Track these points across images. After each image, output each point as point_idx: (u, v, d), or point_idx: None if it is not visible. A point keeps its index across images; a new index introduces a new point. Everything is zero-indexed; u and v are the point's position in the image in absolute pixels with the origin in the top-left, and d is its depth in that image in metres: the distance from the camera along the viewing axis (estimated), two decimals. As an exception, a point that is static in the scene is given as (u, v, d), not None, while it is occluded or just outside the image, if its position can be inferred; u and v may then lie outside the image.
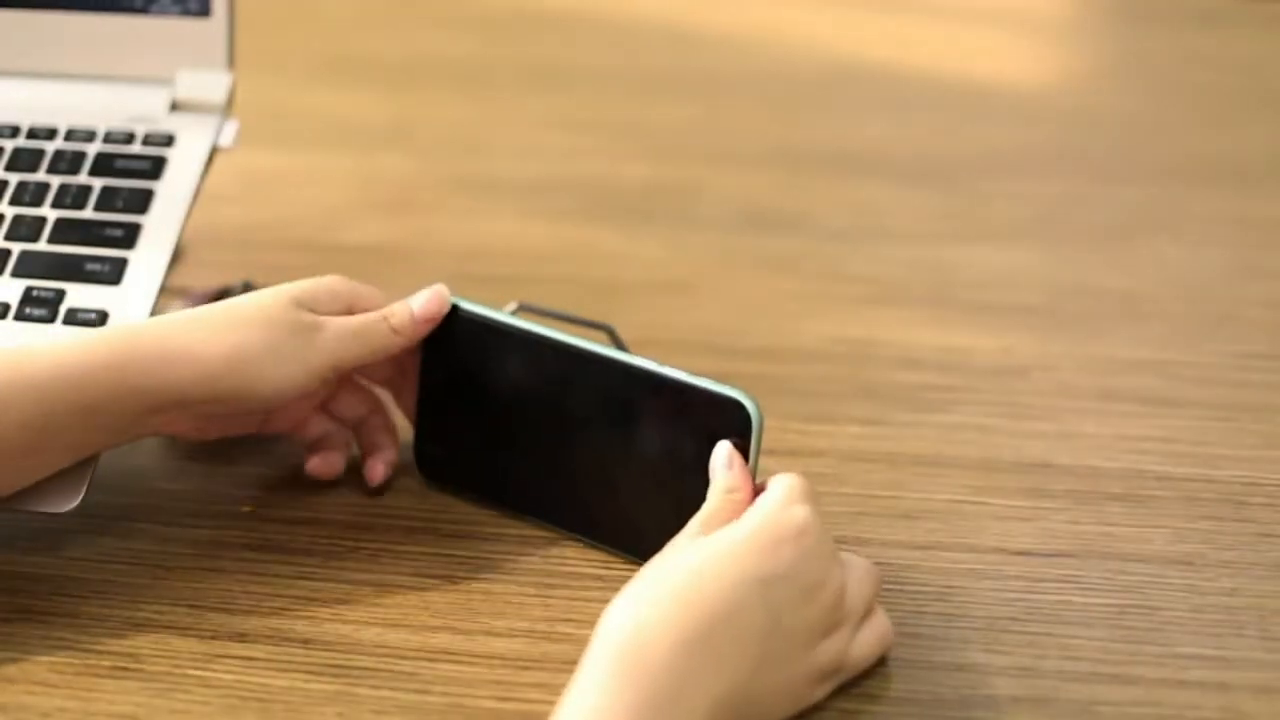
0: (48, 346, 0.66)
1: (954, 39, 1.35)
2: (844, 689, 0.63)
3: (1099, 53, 1.39)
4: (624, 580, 0.69)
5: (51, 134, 0.84)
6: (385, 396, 0.77)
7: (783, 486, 0.62)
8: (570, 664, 0.65)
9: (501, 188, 1.08)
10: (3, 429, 0.64)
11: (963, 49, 1.33)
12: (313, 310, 0.70)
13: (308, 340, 0.69)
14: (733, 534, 0.60)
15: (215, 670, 0.64)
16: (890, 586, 0.69)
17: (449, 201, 1.06)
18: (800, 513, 0.61)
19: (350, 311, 0.71)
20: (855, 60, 1.30)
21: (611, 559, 0.70)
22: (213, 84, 0.85)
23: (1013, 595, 0.69)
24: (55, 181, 0.82)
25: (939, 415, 0.81)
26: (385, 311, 0.72)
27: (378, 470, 0.75)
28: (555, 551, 0.72)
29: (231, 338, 0.67)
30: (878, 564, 0.70)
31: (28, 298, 0.77)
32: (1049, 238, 1.00)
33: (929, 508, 0.74)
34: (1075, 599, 0.68)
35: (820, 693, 0.61)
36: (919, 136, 1.17)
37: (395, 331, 0.71)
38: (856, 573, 0.63)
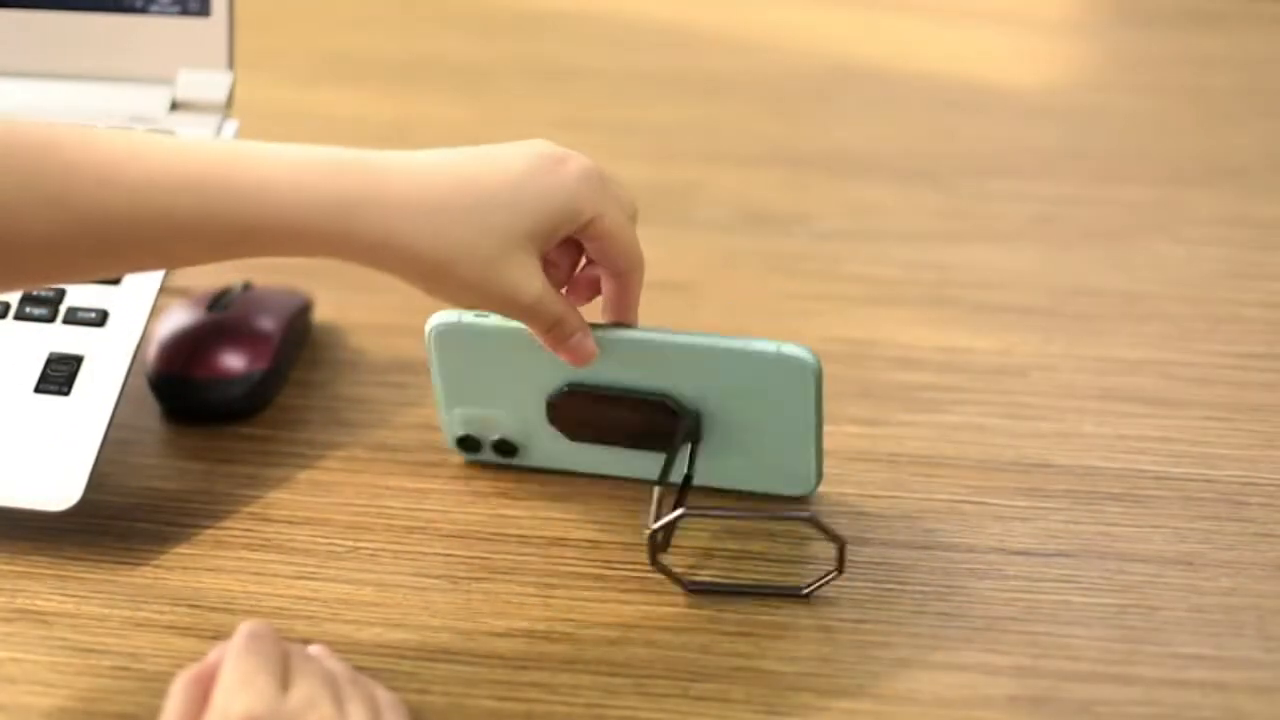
0: (275, 177, 0.62)
1: (954, 39, 1.35)
2: (844, 689, 0.64)
3: (1099, 53, 1.39)
4: (624, 581, 0.70)
5: (52, 134, 0.84)
6: None
7: (220, 685, 0.57)
8: (570, 663, 0.65)
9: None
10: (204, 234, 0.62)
11: (963, 49, 1.33)
12: (546, 247, 0.66)
13: (509, 287, 0.65)
14: None
15: (215, 670, 0.64)
16: (890, 586, 0.69)
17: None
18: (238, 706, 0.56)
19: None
20: (855, 60, 1.30)
21: (613, 560, 0.70)
22: (213, 84, 0.85)
23: (1012, 595, 0.69)
24: (55, 181, 0.82)
25: (938, 415, 0.82)
26: (575, 330, 0.68)
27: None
28: (555, 552, 0.72)
29: (447, 249, 0.64)
30: (879, 564, 0.71)
31: (27, 297, 0.77)
32: (1049, 238, 1.00)
33: (928, 507, 0.74)
34: (1074, 599, 0.69)
35: None
36: (918, 136, 1.17)
37: (560, 344, 0.69)
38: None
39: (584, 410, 0.73)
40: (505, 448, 0.76)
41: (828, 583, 0.68)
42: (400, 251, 0.63)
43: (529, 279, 0.65)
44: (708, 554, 0.71)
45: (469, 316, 0.72)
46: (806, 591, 0.68)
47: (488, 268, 0.64)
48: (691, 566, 0.70)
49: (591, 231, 0.67)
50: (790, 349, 0.70)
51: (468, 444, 0.77)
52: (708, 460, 0.73)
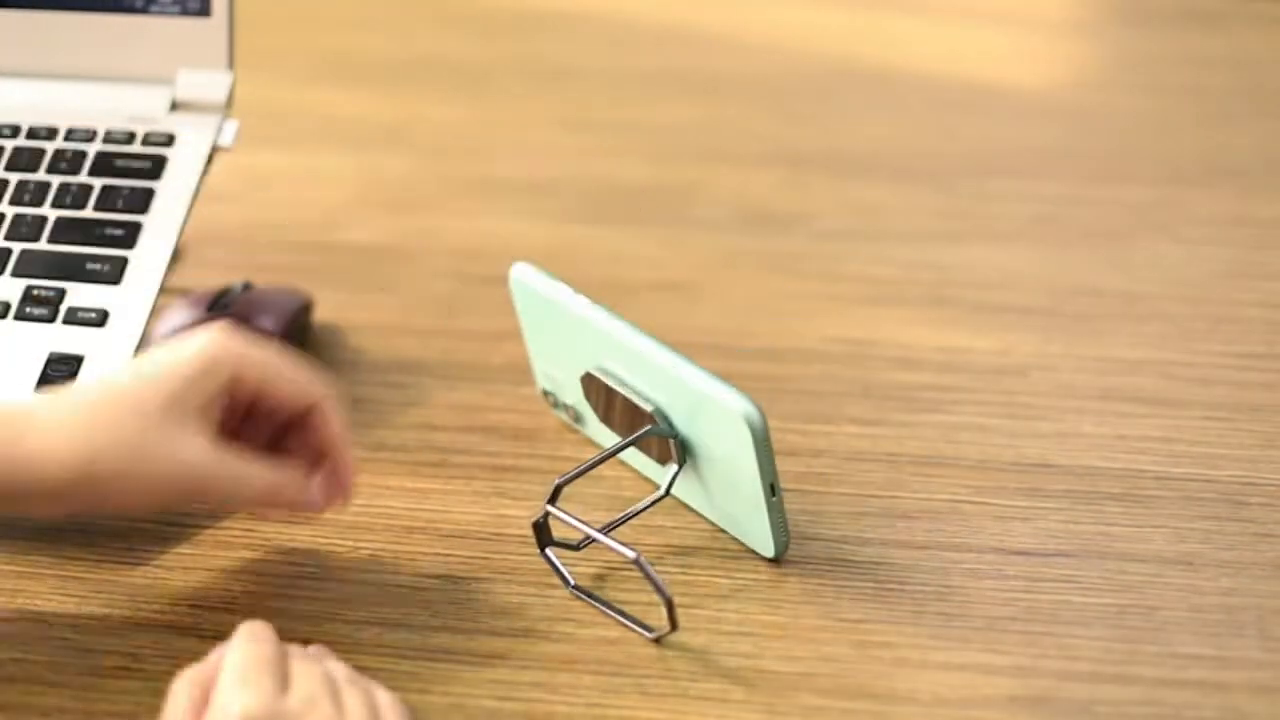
0: None
1: (954, 39, 1.35)
2: (844, 689, 0.64)
3: (1099, 53, 1.39)
4: (625, 579, 0.70)
5: (52, 134, 0.84)
6: None
7: (222, 680, 0.57)
8: (570, 664, 0.65)
9: (501, 188, 1.08)
10: None
11: (963, 49, 1.33)
12: (203, 412, 0.64)
13: (164, 461, 0.62)
14: None
15: (215, 670, 0.64)
16: (891, 586, 0.69)
17: (449, 201, 1.06)
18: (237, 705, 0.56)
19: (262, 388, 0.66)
20: (855, 60, 1.30)
21: (613, 559, 0.70)
22: (213, 84, 0.85)
23: (1012, 595, 0.69)
24: (55, 181, 0.82)
25: (938, 415, 0.81)
26: (294, 494, 0.67)
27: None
28: (555, 551, 0.72)
29: (86, 447, 0.62)
30: (879, 564, 0.71)
31: (28, 297, 0.77)
32: (1048, 238, 1.00)
33: (928, 508, 0.74)
34: (1074, 599, 0.69)
35: None
36: (918, 136, 1.17)
37: (289, 507, 0.67)
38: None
39: (602, 398, 0.74)
40: (575, 415, 0.78)
41: (665, 636, 0.66)
42: (45, 474, 0.61)
43: (188, 449, 0.63)
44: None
45: (533, 273, 0.74)
46: (654, 637, 0.66)
47: (131, 451, 0.62)
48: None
49: (247, 382, 0.65)
50: (727, 394, 0.66)
51: (551, 399, 0.79)
52: (694, 485, 0.73)
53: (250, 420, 0.67)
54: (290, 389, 0.67)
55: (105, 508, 0.65)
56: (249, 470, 0.65)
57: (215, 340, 0.64)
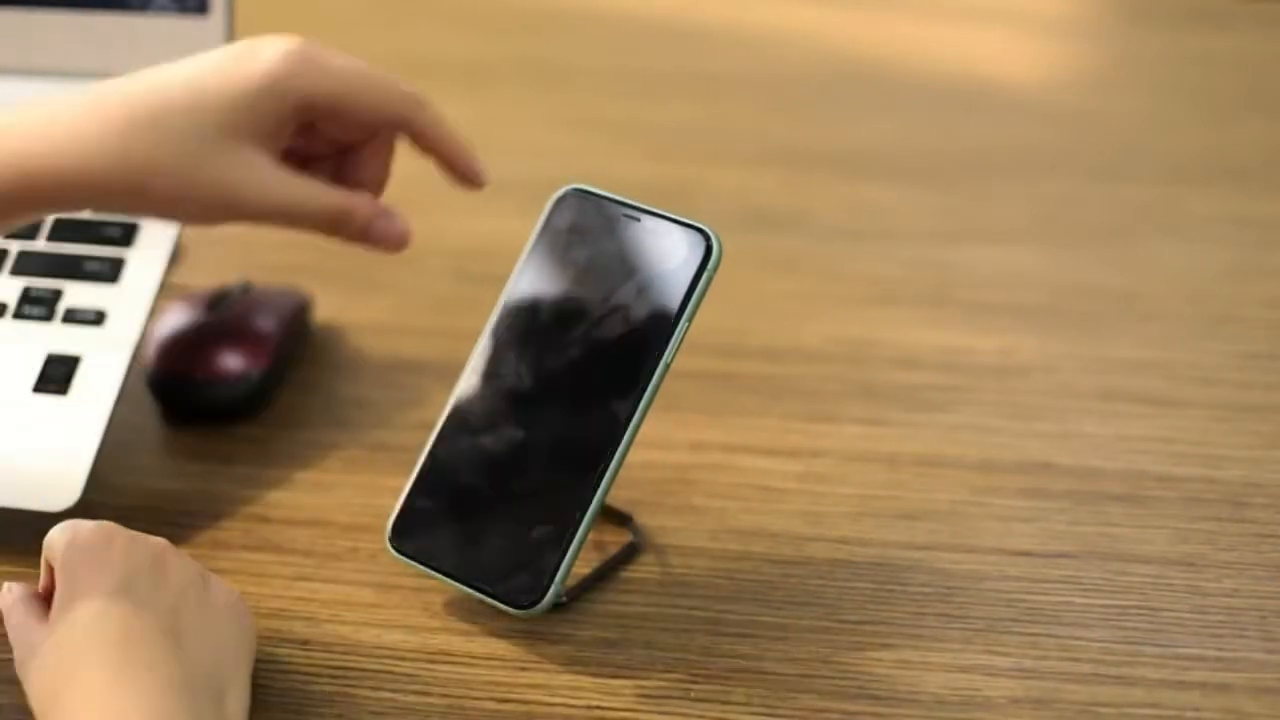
0: None
1: (954, 39, 1.35)
2: (844, 690, 0.63)
3: (1099, 53, 1.39)
4: (625, 582, 0.69)
5: (50, 133, 0.84)
6: None
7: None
8: (570, 664, 0.65)
9: (502, 187, 1.07)
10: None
11: (963, 49, 1.33)
12: (268, 136, 0.61)
13: (224, 188, 0.60)
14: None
15: (214, 671, 0.64)
16: (891, 587, 0.69)
17: (449, 201, 1.05)
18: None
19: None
20: (855, 60, 1.30)
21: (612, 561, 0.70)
22: (212, 83, 0.85)
23: (1013, 596, 0.69)
24: (54, 181, 0.81)
25: (939, 415, 0.81)
26: (369, 217, 0.65)
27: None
28: (555, 552, 0.71)
29: (132, 169, 0.60)
30: (879, 564, 0.70)
31: (26, 297, 0.77)
32: (1049, 237, 1.00)
33: (929, 508, 0.74)
34: (1076, 600, 0.68)
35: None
36: (919, 136, 1.16)
37: (362, 238, 0.65)
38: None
39: None
40: None
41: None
42: (87, 187, 0.60)
43: (249, 175, 0.60)
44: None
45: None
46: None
47: (186, 175, 0.60)
48: None
49: (318, 105, 0.62)
50: None
51: None
52: None
53: (313, 135, 0.64)
54: (369, 106, 0.63)
55: (156, 217, 0.62)
56: (315, 191, 0.63)
57: (283, 66, 0.61)
